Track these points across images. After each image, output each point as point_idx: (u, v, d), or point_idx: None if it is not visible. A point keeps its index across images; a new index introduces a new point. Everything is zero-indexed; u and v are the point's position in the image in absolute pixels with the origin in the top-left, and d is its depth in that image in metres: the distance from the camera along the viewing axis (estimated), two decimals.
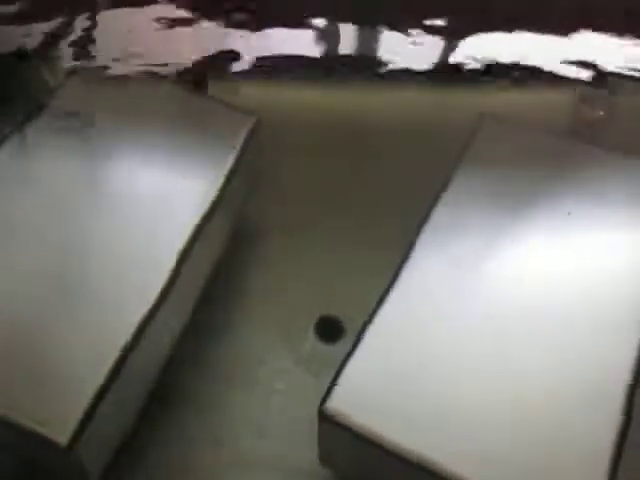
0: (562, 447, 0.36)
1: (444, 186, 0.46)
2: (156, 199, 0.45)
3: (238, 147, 0.47)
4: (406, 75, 0.64)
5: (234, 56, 0.65)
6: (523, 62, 0.64)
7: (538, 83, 0.63)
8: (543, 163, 0.47)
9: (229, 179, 0.46)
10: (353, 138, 0.60)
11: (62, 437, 0.36)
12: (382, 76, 0.64)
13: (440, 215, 0.45)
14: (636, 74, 0.63)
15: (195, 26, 0.66)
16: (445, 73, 0.64)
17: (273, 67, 0.64)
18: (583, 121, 0.52)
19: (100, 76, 0.50)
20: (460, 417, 0.37)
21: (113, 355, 0.39)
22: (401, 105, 0.63)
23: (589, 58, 0.64)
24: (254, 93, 0.62)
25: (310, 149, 0.59)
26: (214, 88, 0.54)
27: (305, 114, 0.62)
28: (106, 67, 0.50)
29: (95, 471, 0.40)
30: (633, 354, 0.39)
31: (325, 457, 0.42)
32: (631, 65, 0.63)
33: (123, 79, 0.50)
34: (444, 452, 0.36)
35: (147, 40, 0.64)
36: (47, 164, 0.46)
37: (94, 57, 0.62)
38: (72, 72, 0.50)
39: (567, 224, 0.45)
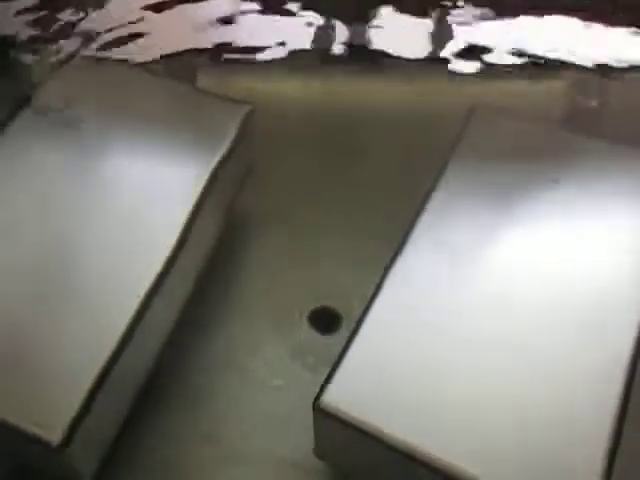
0: (561, 437, 0.36)
1: (438, 177, 0.46)
2: (147, 191, 0.44)
3: (231, 136, 0.47)
4: (399, 65, 0.63)
5: (223, 45, 0.64)
6: (518, 50, 0.64)
7: (533, 72, 0.63)
8: (537, 154, 0.47)
9: (221, 168, 0.46)
10: (348, 129, 0.60)
11: (54, 436, 0.36)
12: (374, 66, 0.63)
13: (435, 206, 0.45)
14: (633, 63, 0.63)
15: (183, 15, 0.65)
16: (439, 62, 0.63)
17: (262, 56, 0.64)
18: (578, 111, 0.52)
19: (89, 67, 0.49)
20: (458, 409, 0.37)
21: (105, 352, 0.38)
22: (394, 95, 0.62)
23: (584, 47, 0.64)
24: (244, 83, 0.62)
25: (304, 140, 0.59)
26: (202, 79, 0.53)
27: (297, 105, 0.61)
28: (95, 57, 0.50)
29: (88, 470, 0.40)
30: (631, 345, 0.39)
31: (321, 451, 0.42)
32: (626, 54, 0.63)
33: (112, 69, 0.49)
34: (442, 445, 0.36)
35: (135, 28, 0.63)
36: (35, 158, 0.45)
37: (83, 47, 0.61)
38: (61, 63, 0.49)
39: (563, 213, 0.44)
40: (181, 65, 0.51)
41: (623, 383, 0.38)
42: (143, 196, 0.44)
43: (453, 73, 0.63)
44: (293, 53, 0.64)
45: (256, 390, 0.47)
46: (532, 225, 0.44)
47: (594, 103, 0.51)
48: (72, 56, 0.53)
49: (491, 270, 0.42)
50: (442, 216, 0.44)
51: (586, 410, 0.37)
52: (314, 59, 0.63)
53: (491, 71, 0.62)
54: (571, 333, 0.39)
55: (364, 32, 0.65)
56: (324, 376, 0.39)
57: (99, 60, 0.50)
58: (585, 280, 0.42)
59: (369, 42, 0.65)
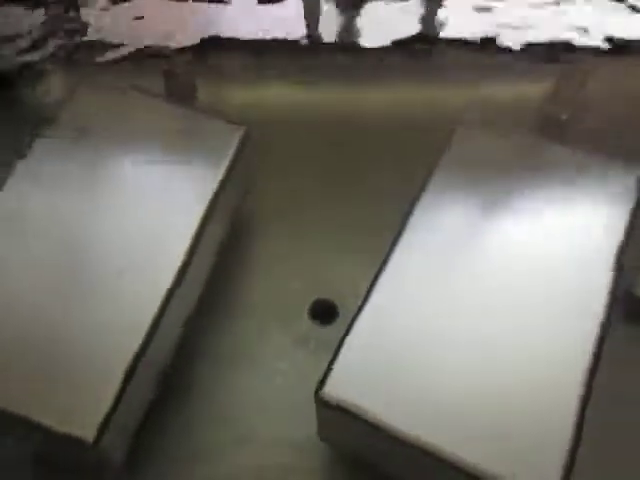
0: (546, 425, 0.39)
1: (430, 174, 0.48)
2: (154, 212, 0.47)
3: (228, 160, 0.49)
4: (391, 67, 0.65)
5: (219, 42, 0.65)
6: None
7: (517, 72, 0.64)
8: (519, 167, 0.48)
9: (221, 190, 0.48)
10: (345, 132, 0.61)
11: (88, 433, 0.38)
12: (370, 70, 0.65)
13: (426, 202, 0.47)
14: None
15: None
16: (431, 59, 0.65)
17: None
18: (550, 121, 0.51)
19: (93, 95, 0.50)
20: (455, 396, 0.38)
21: (132, 348, 0.41)
22: (388, 100, 0.64)
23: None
24: (243, 94, 0.64)
25: (304, 143, 0.61)
26: (202, 93, 0.55)
27: (295, 112, 0.63)
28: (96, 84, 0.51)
29: (119, 459, 0.43)
30: (596, 329, 0.42)
31: (324, 434, 0.44)
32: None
33: (114, 95, 0.50)
34: (439, 431, 0.38)
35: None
36: (54, 178, 0.48)
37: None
38: (69, 93, 0.51)
39: (545, 213, 0.46)
40: (181, 83, 0.52)
41: (587, 370, 0.40)
42: (152, 216, 0.46)
43: (443, 75, 0.64)
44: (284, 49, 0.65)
45: (263, 377, 0.50)
46: (516, 219, 0.46)
47: (564, 117, 0.51)
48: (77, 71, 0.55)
49: (484, 260, 0.44)
50: (436, 209, 0.46)
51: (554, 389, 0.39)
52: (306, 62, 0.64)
53: (480, 67, 0.64)
54: (551, 321, 0.42)
55: (353, 27, 0.66)
56: (325, 361, 0.41)
57: (101, 87, 0.51)
58: (559, 274, 0.44)
59: (358, 39, 0.66)
